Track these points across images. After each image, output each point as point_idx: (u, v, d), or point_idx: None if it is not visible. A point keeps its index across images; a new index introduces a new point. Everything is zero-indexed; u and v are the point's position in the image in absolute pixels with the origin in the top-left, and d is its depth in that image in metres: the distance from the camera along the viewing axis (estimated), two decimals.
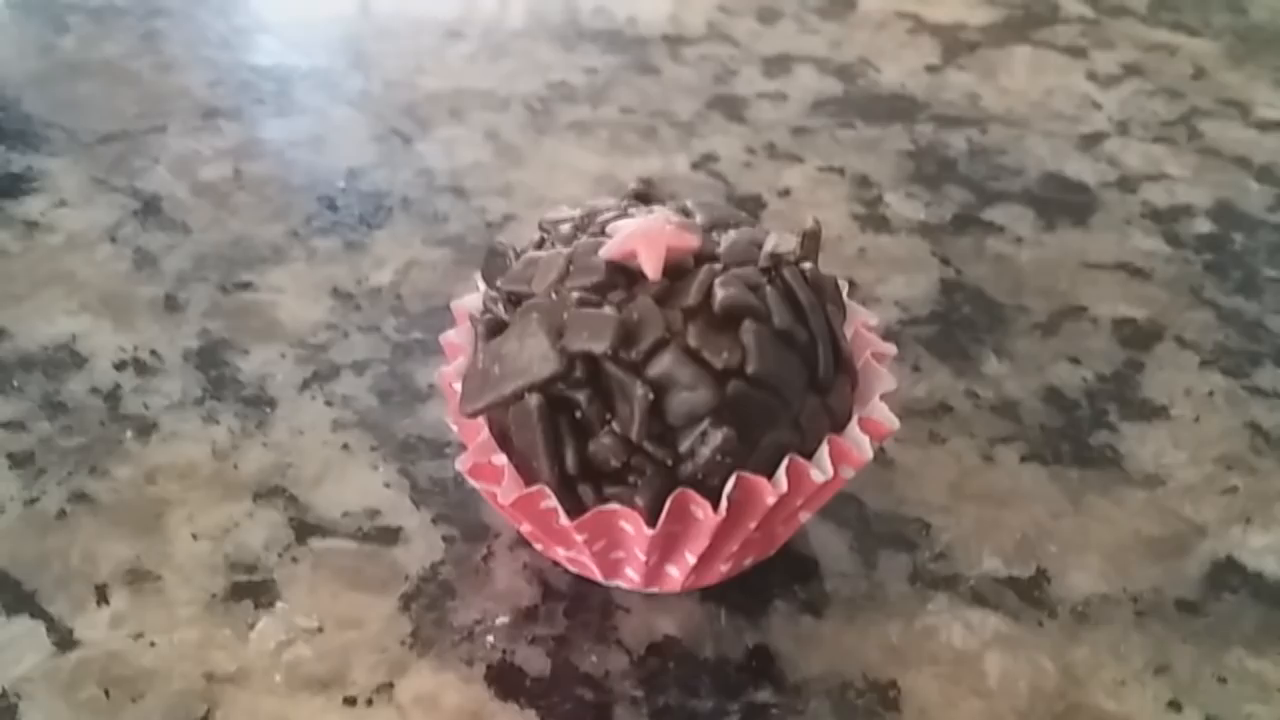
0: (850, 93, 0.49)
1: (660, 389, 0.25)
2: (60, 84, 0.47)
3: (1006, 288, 0.40)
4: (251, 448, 0.32)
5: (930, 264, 0.41)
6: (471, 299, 0.30)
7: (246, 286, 0.38)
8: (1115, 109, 0.50)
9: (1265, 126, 0.49)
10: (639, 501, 0.25)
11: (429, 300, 0.38)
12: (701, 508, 0.25)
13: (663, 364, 0.25)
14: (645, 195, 0.30)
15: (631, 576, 0.28)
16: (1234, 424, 0.36)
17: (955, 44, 0.53)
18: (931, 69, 0.51)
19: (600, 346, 0.25)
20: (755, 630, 0.29)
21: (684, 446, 0.25)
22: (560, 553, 0.29)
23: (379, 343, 0.36)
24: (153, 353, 0.35)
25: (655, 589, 0.29)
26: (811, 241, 0.28)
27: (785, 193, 0.43)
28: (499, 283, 0.28)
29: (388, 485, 0.32)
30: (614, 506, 0.25)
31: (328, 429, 0.33)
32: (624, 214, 0.28)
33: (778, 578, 0.30)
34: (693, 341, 0.25)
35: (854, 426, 0.27)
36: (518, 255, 0.28)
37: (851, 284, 0.39)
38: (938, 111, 0.49)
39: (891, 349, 0.29)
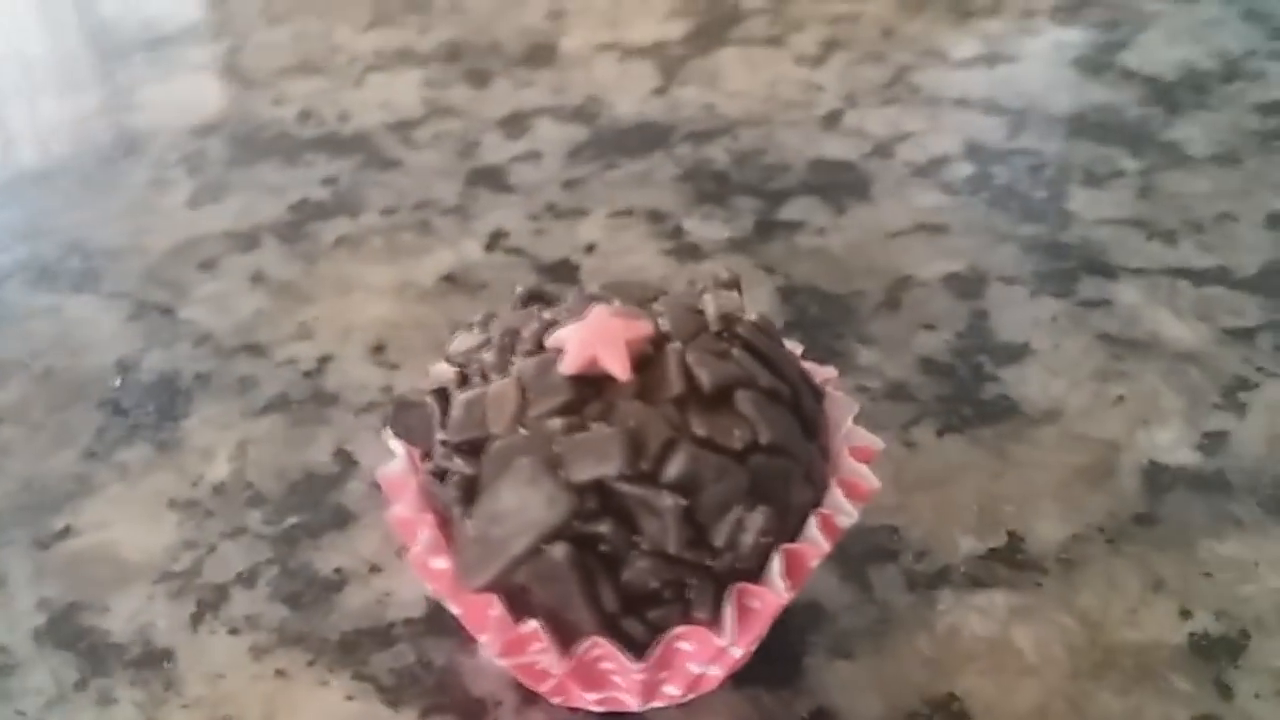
0: (597, 133, 0.49)
1: (687, 490, 0.23)
2: None
3: (836, 278, 0.41)
4: (171, 716, 0.27)
5: (758, 276, 0.41)
6: (395, 465, 0.26)
7: (66, 533, 0.32)
8: (835, 84, 0.52)
9: (966, 65, 0.53)
10: (700, 615, 0.23)
11: (285, 477, 0.33)
12: (759, 598, 0.23)
13: (680, 464, 0.23)
14: (540, 294, 0.28)
15: (671, 693, 0.26)
16: (1087, 339, 0.38)
17: (666, 61, 0.54)
18: (658, 91, 0.52)
19: (613, 468, 0.22)
20: (800, 696, 0.27)
21: (719, 539, 0.23)
22: (589, 698, 0.26)
23: (254, 544, 0.31)
24: None
25: (692, 694, 0.27)
26: (734, 287, 0.27)
27: (590, 249, 0.42)
28: (443, 435, 0.25)
29: (350, 698, 0.27)
30: (679, 631, 0.23)
31: (249, 660, 0.28)
32: (550, 323, 0.25)
33: (793, 635, 0.29)
34: (701, 430, 0.23)
35: (848, 460, 0.26)
36: (443, 400, 0.25)
37: None
38: (686, 130, 0.49)
39: (833, 372, 0.29)
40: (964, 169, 0.46)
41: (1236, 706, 0.27)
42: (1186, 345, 0.37)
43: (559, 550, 0.22)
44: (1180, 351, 0.37)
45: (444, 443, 0.24)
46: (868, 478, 0.26)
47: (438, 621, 0.29)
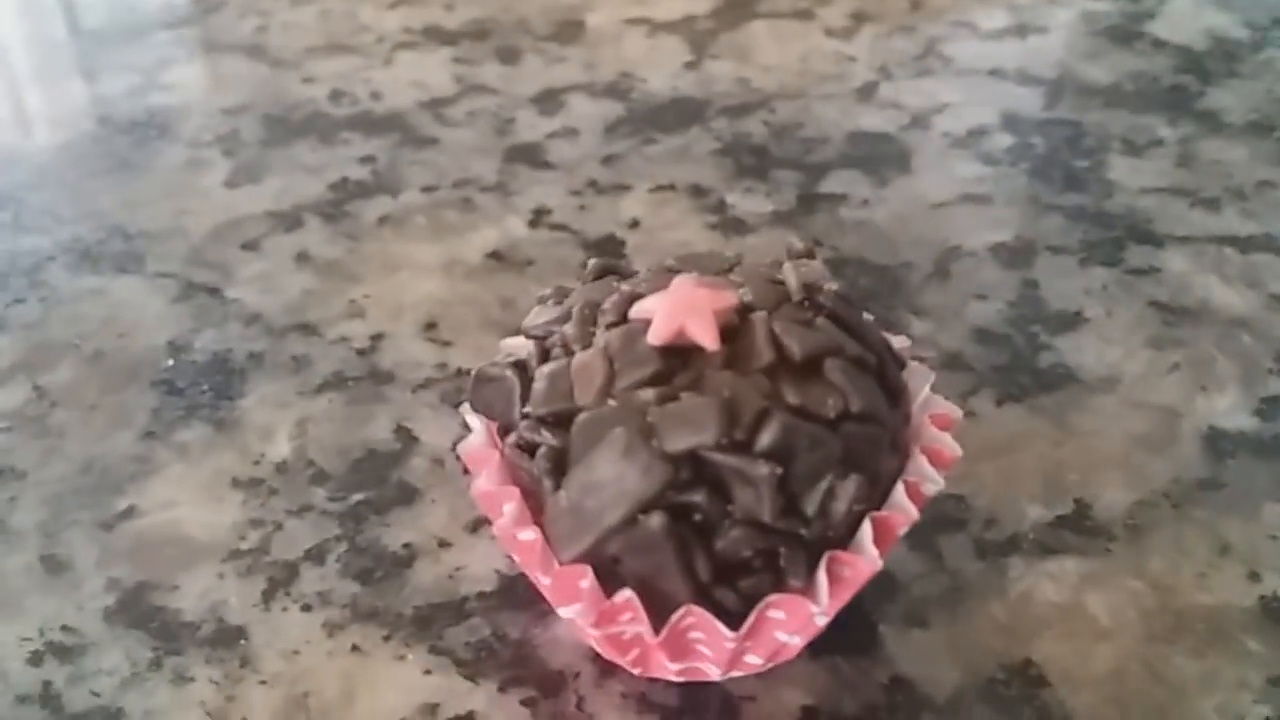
0: (632, 109, 0.48)
1: (780, 459, 0.23)
2: None
3: (883, 249, 0.41)
4: (250, 692, 0.27)
5: None
6: (475, 439, 0.26)
7: (130, 514, 0.32)
8: (867, 56, 0.52)
9: (996, 36, 0.53)
10: (794, 583, 0.23)
11: (347, 454, 0.33)
12: (850, 565, 0.23)
13: (773, 433, 0.23)
14: (611, 268, 0.28)
15: (753, 662, 0.26)
16: (1139, 306, 0.38)
17: (696, 35, 0.54)
18: (689, 65, 0.51)
19: (708, 437, 0.22)
20: (879, 664, 0.27)
21: (811, 509, 0.23)
22: (672, 667, 0.26)
23: (321, 520, 0.31)
24: (66, 629, 0.28)
25: (771, 664, 0.27)
26: (809, 257, 0.27)
27: (634, 224, 0.42)
28: (527, 409, 0.24)
29: (429, 672, 0.27)
30: (774, 599, 0.23)
31: (324, 637, 0.28)
32: (631, 295, 0.25)
33: (868, 604, 0.29)
34: (793, 399, 0.23)
35: (929, 428, 0.26)
36: (522, 373, 0.25)
37: None
38: (721, 104, 0.49)
39: (906, 341, 0.29)
40: (1003, 139, 0.46)
41: None
42: (1237, 312, 0.37)
43: (655, 520, 0.22)
44: (1232, 318, 0.37)
45: (527, 415, 0.24)
46: (950, 445, 0.26)
47: (510, 595, 0.29)
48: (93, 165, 0.46)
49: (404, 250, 0.41)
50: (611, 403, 0.23)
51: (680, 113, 0.48)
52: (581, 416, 0.24)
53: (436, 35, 0.54)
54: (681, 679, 0.27)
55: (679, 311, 0.24)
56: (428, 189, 0.44)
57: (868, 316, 0.28)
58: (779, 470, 0.22)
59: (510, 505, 0.25)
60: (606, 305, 0.25)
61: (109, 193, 0.45)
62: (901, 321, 0.37)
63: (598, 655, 0.27)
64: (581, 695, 0.27)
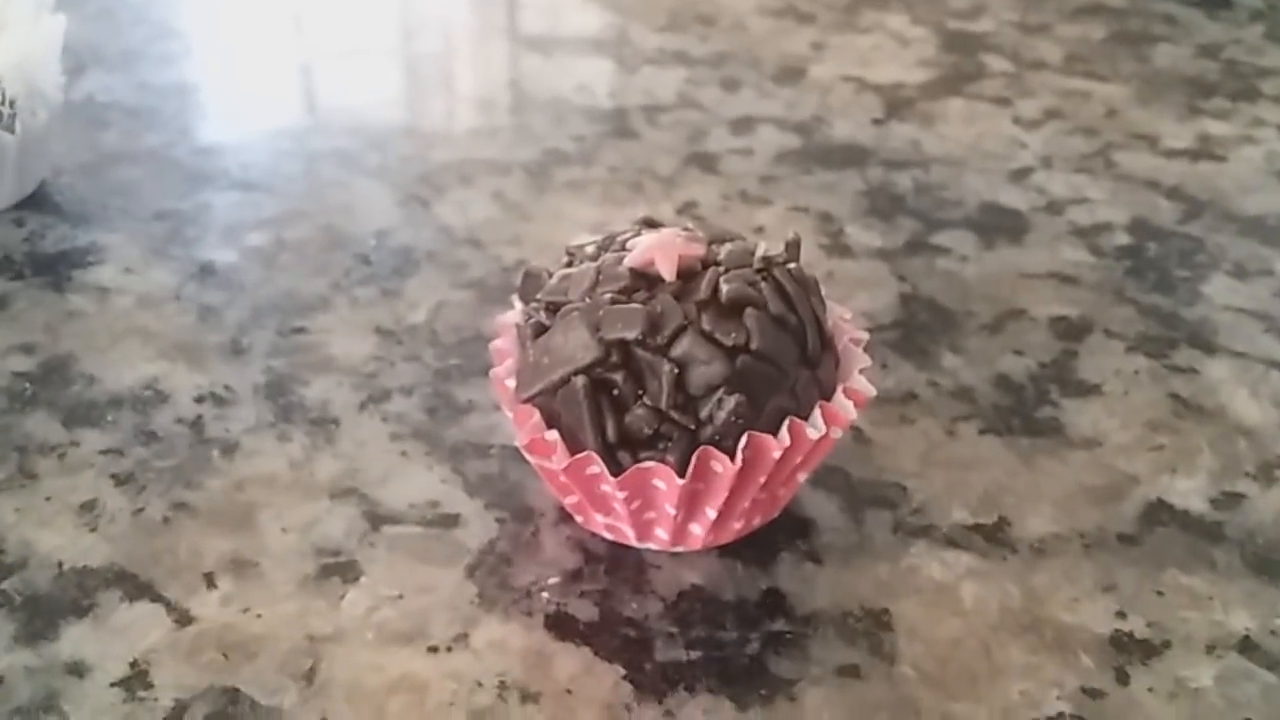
0: (807, 145, 0.56)
1: (682, 365, 0.30)
2: (110, 171, 0.52)
3: (955, 297, 0.46)
4: (323, 459, 0.38)
5: (889, 282, 0.47)
6: (511, 315, 0.36)
7: (300, 331, 0.43)
8: (1039, 147, 0.57)
9: (1171, 154, 0.56)
10: (670, 459, 0.31)
11: (460, 333, 0.43)
12: (720, 462, 0.31)
13: (683, 345, 0.30)
14: (652, 223, 0.36)
15: (661, 536, 0.34)
16: (1157, 395, 0.42)
17: (896, 100, 0.60)
18: (877, 122, 0.58)
19: (632, 333, 0.30)
20: (767, 576, 0.34)
21: (704, 413, 0.31)
22: (599, 520, 0.34)
23: (421, 369, 0.41)
24: (226, 388, 0.40)
25: (681, 548, 0.34)
26: (794, 249, 0.34)
27: (759, 230, 0.50)
28: (539, 295, 0.33)
29: (444, 482, 0.37)
30: (649, 464, 0.31)
31: (386, 440, 0.38)
32: (638, 234, 0.34)
33: (782, 536, 0.36)
34: (706, 326, 0.31)
35: (840, 394, 0.33)
36: (550, 275, 0.34)
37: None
38: (885, 157, 0.55)
39: (864, 335, 0.35)
40: (1121, 238, 0.50)
41: (1126, 692, 0.31)
42: (1249, 422, 0.40)
43: (580, 382, 0.31)
44: (1240, 425, 0.40)
45: (537, 300, 0.33)
46: (847, 410, 0.32)
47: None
48: (378, 109, 0.60)
49: (572, 208, 0.51)
50: (588, 301, 0.32)
51: (846, 157, 0.55)
52: (565, 306, 0.32)
53: (682, 59, 0.64)
54: (610, 535, 0.35)
55: (654, 249, 0.32)
56: (613, 169, 0.54)
57: (845, 312, 0.35)
58: (676, 371, 0.30)
59: (508, 361, 0.34)
60: (619, 238, 0.34)
61: (386, 125, 0.57)
62: (936, 353, 0.43)
63: (561, 507, 0.36)
64: (538, 528, 0.35)
